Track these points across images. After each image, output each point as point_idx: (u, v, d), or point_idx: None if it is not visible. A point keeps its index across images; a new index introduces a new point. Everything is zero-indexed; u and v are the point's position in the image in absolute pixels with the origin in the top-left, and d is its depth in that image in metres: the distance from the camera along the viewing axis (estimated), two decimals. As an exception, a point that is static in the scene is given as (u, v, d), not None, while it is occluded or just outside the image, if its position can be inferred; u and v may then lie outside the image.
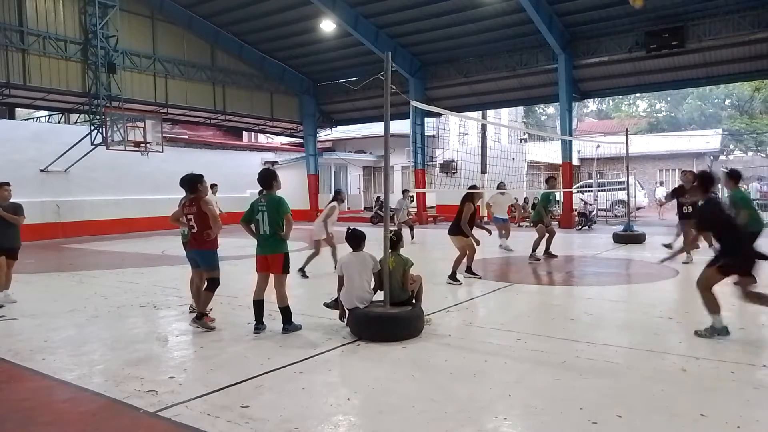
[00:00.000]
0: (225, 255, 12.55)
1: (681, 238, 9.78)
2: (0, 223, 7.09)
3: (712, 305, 5.05)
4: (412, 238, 14.24)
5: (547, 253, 10.73)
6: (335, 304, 5.83)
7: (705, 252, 6.35)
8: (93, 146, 16.89)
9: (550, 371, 4.30)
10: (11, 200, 7.29)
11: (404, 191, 16.05)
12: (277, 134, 28.72)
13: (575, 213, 18.68)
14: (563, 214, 18.99)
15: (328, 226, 9.15)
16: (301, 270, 8.92)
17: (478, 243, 8.25)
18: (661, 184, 28.26)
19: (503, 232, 12.23)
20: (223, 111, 22.39)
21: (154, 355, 5.00)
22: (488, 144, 23.61)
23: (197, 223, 5.77)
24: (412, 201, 23.55)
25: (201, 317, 5.70)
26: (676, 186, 9.81)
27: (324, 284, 8.16)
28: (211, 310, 6.41)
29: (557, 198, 11.57)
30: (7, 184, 7.28)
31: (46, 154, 17.38)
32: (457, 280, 8.03)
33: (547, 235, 10.62)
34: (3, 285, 7.19)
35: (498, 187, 13.35)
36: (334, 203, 9.42)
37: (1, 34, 15.66)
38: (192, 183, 5.91)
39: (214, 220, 5.72)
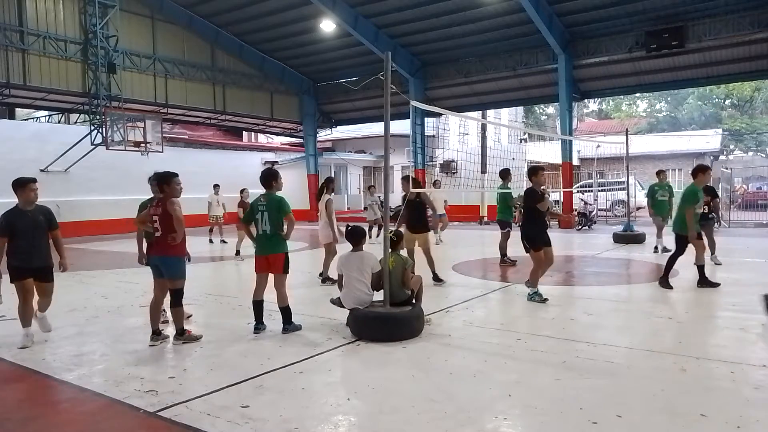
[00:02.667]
0: (225, 255, 12.62)
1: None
2: (30, 235, 5.53)
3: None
4: (371, 236, 13.26)
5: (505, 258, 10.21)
6: (340, 300, 5.80)
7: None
8: (93, 146, 16.92)
9: (550, 371, 4.30)
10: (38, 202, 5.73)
11: (370, 187, 15.78)
12: (277, 134, 28.73)
13: (575, 213, 18.67)
14: (563, 214, 18.97)
15: (335, 225, 8.18)
16: (322, 276, 8.34)
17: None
18: None
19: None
20: (223, 111, 22.40)
21: (154, 355, 5.00)
22: (488, 144, 23.60)
23: (162, 226, 5.24)
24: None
25: (182, 332, 5.31)
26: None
27: (323, 284, 8.18)
28: (190, 316, 6.12)
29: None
30: (33, 181, 5.65)
31: (46, 154, 17.40)
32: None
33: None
34: (30, 315, 5.61)
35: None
36: (328, 197, 8.37)
37: (1, 34, 15.66)
38: (159, 182, 5.33)
39: (178, 224, 5.16)
